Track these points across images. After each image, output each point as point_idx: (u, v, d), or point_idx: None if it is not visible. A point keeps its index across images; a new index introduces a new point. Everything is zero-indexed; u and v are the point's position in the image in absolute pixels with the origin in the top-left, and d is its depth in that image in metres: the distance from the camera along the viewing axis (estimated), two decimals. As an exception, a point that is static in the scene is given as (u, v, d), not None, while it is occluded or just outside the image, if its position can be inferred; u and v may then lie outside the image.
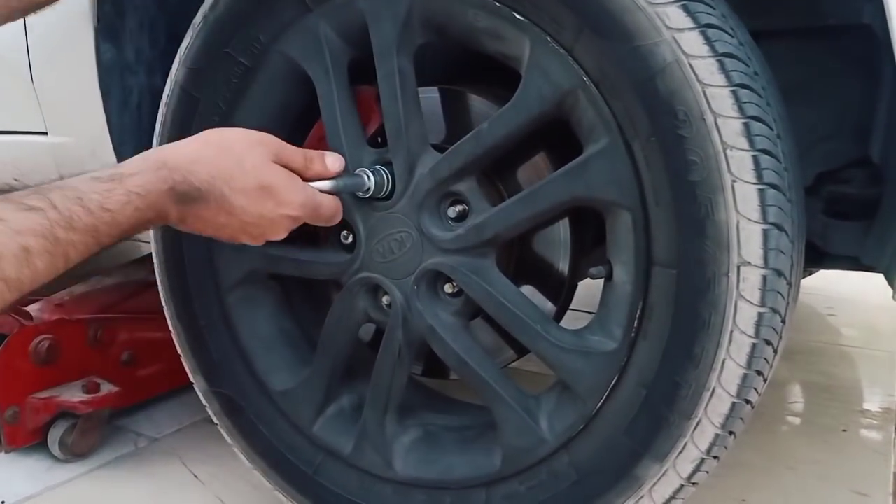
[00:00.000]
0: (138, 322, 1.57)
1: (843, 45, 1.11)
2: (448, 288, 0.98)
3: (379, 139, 1.02)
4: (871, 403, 1.77)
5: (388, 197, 0.96)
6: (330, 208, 0.91)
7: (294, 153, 0.89)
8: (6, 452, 1.42)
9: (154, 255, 1.16)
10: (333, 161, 0.92)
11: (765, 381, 0.84)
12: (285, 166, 0.87)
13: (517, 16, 0.85)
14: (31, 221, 0.70)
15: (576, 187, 0.86)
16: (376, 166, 0.96)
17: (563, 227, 0.99)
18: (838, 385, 1.89)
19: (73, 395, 1.39)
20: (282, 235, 0.88)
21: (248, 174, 0.83)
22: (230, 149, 0.84)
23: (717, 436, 0.82)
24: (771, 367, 0.84)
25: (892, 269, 0.85)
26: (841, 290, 2.61)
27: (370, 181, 0.94)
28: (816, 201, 1.18)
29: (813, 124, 1.14)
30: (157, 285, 1.67)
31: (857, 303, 2.55)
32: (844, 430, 1.61)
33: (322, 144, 1.06)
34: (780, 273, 0.78)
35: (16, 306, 1.45)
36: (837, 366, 2.03)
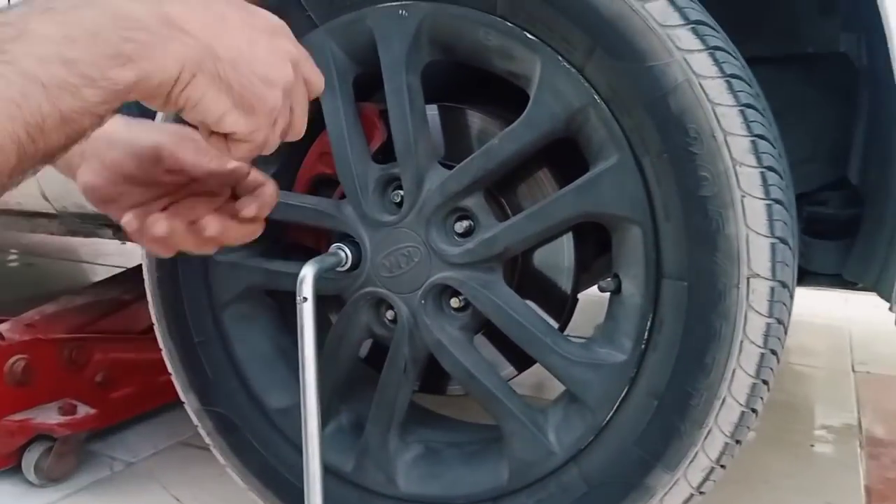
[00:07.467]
0: (112, 342, 1.52)
1: (820, 73, 1.17)
2: (454, 302, 0.98)
3: (381, 156, 1.03)
4: (832, 419, 1.83)
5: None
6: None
7: None
8: (-24, 479, 1.36)
9: (145, 269, 1.13)
10: None
11: (768, 390, 0.86)
12: None
13: (529, 36, 0.87)
14: None
15: (586, 203, 0.88)
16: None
17: (566, 242, 1.01)
18: (798, 403, 1.95)
19: (49, 417, 1.34)
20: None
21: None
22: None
23: (726, 444, 0.84)
24: (773, 376, 0.87)
25: (883, 283, 0.90)
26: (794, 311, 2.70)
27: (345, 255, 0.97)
28: (797, 221, 1.22)
29: (791, 147, 1.19)
30: (130, 304, 1.64)
31: (806, 324, 2.64)
32: (812, 446, 1.66)
33: (323, 160, 1.07)
34: (785, 285, 0.82)
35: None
36: (795, 384, 2.09)
